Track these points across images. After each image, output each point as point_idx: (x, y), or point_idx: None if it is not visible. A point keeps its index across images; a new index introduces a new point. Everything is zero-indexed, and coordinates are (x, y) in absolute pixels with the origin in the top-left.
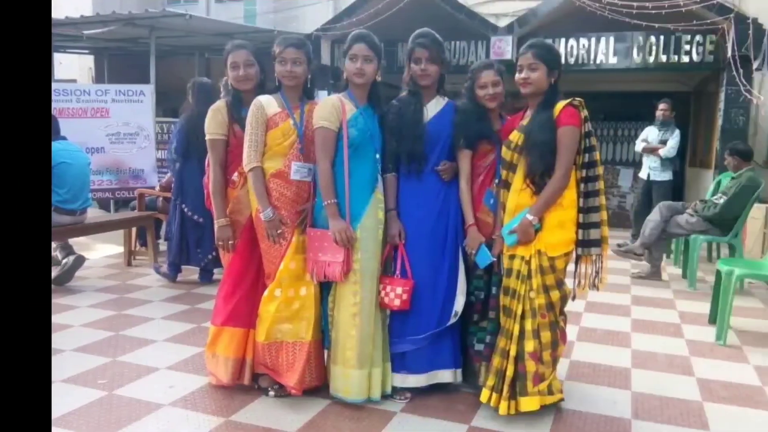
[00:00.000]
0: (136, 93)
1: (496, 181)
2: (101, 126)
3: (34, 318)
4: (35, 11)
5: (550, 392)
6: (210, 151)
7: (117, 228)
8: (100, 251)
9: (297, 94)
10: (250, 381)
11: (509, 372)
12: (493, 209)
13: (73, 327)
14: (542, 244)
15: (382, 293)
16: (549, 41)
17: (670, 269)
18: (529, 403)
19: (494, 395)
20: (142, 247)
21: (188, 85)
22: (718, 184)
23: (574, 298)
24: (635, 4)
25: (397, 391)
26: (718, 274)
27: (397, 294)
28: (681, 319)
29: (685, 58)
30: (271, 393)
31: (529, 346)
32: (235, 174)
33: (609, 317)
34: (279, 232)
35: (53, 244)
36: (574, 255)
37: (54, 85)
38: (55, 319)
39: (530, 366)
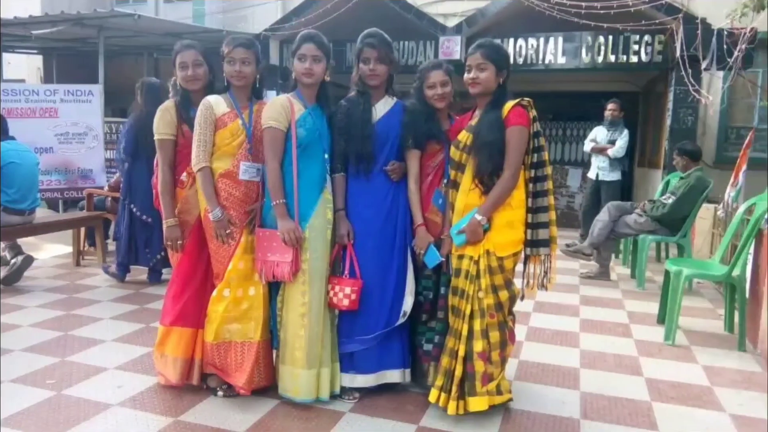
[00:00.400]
0: (84, 93)
1: (445, 181)
2: (50, 126)
3: None
4: None
5: (499, 392)
6: (159, 151)
7: (66, 228)
8: (48, 251)
9: (246, 94)
10: (199, 381)
11: (458, 372)
12: (441, 209)
13: (22, 327)
14: (491, 244)
15: (331, 293)
16: (498, 41)
17: (618, 269)
18: (477, 403)
19: (443, 395)
20: (90, 247)
21: (137, 85)
22: (667, 184)
23: (522, 298)
24: (584, 4)
25: (345, 391)
26: (667, 274)
27: (345, 294)
28: (630, 319)
29: (634, 58)
30: (220, 393)
31: (478, 346)
32: (184, 174)
33: (558, 317)
34: (228, 232)
35: (2, 244)
36: (522, 255)
37: (2, 85)
38: (4, 318)
39: (479, 366)
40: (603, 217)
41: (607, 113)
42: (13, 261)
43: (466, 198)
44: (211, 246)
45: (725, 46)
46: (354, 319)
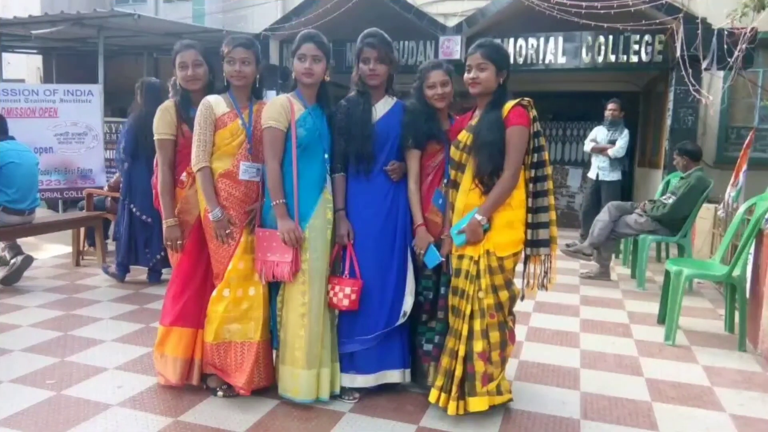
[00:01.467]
0: (84, 93)
1: (445, 181)
2: (49, 126)
3: None
4: None
5: (499, 392)
6: (158, 151)
7: (65, 228)
8: (48, 251)
9: (246, 94)
10: (199, 381)
11: (458, 372)
12: (441, 209)
13: (22, 327)
14: (491, 244)
15: (331, 293)
16: (498, 41)
17: (618, 269)
18: (477, 404)
19: (443, 395)
20: (90, 248)
21: (137, 85)
22: (667, 184)
23: (522, 298)
24: (584, 3)
25: (345, 391)
26: (667, 274)
27: (345, 294)
28: (630, 319)
29: (634, 58)
30: (220, 393)
31: (478, 346)
32: (184, 174)
33: (558, 317)
34: (227, 232)
35: (1, 244)
36: (522, 255)
37: (2, 85)
38: (4, 319)
39: (479, 366)
40: (603, 217)
41: (607, 113)
42: (12, 261)
43: (466, 198)
44: (211, 246)
45: (725, 46)
46: (354, 319)
